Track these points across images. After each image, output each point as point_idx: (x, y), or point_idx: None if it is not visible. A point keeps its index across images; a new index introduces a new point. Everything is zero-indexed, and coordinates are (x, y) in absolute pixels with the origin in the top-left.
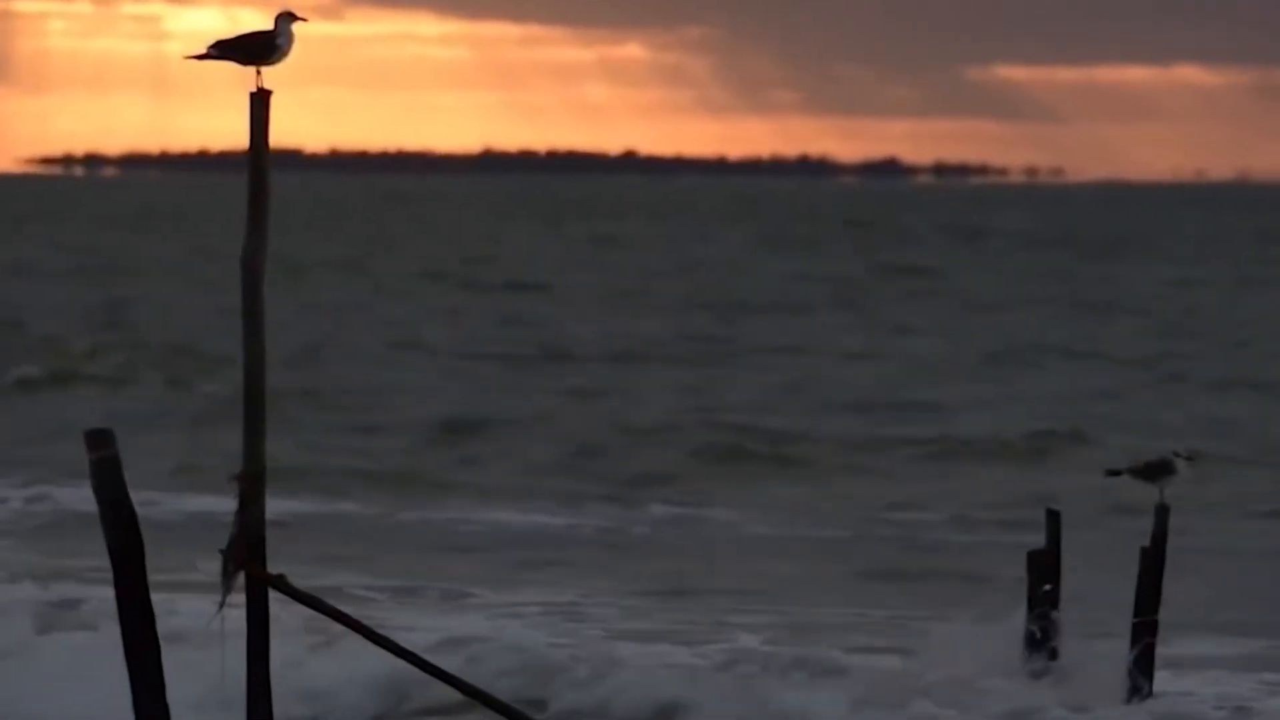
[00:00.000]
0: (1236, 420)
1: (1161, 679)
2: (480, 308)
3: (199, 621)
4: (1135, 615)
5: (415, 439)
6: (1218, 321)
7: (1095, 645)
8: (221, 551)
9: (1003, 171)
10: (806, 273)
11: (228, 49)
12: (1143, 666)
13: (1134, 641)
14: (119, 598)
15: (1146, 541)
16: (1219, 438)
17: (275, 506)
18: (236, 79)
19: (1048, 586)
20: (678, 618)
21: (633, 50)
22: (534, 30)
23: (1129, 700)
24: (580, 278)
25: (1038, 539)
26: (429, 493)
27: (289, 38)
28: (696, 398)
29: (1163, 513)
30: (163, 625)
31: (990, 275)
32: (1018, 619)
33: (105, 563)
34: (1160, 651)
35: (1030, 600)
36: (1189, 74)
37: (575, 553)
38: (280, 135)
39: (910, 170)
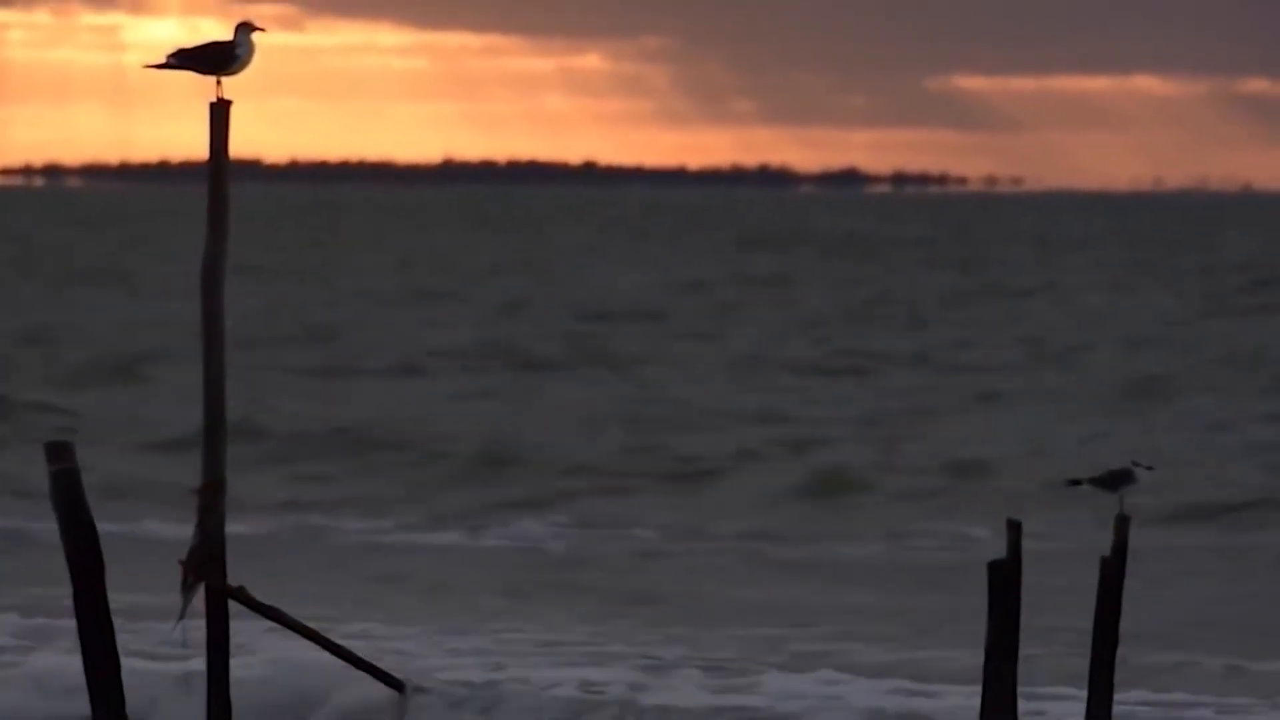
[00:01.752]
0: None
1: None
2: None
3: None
4: (1095, 627)
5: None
6: (1050, 331)
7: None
8: (181, 563)
9: (962, 181)
10: (663, 281)
11: (188, 59)
12: (1103, 681)
13: (1094, 655)
14: (78, 611)
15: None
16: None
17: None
18: (197, 89)
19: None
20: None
21: (592, 60)
22: (494, 40)
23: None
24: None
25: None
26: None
27: (249, 48)
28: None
29: (1123, 523)
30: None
31: (840, 286)
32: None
33: None
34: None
35: (991, 612)
36: (1147, 83)
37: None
38: (240, 145)
39: (870, 180)
